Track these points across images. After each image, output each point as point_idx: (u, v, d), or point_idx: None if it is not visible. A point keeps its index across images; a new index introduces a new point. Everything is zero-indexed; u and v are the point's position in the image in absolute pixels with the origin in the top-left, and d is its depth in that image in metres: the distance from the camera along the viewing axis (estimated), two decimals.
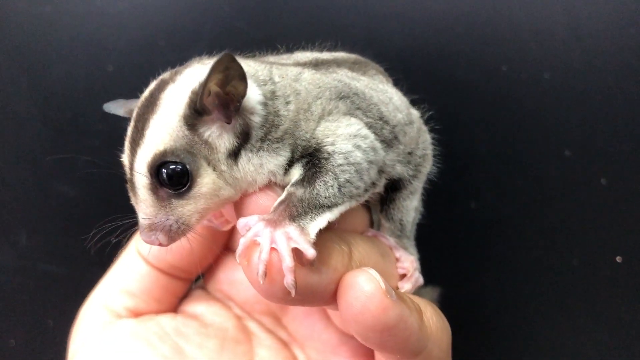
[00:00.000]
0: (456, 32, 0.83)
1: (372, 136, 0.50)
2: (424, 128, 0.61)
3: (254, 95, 0.46)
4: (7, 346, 0.87)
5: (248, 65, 0.49)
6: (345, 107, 0.50)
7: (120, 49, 0.85)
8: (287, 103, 0.48)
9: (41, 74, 0.86)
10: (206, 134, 0.45)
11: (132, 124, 0.48)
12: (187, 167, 0.45)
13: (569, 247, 0.83)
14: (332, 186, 0.46)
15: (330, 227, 0.46)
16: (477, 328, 0.86)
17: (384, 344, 0.45)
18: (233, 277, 0.63)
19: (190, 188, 0.45)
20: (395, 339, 0.44)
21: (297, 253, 0.42)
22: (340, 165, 0.47)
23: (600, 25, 0.80)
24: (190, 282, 0.64)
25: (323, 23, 0.85)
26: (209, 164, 0.46)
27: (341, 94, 0.51)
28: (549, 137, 0.82)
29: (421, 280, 0.58)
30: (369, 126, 0.51)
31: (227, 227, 0.59)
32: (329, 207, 0.46)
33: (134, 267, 0.60)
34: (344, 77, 0.53)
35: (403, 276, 0.57)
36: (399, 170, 0.55)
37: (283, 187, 0.48)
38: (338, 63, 0.57)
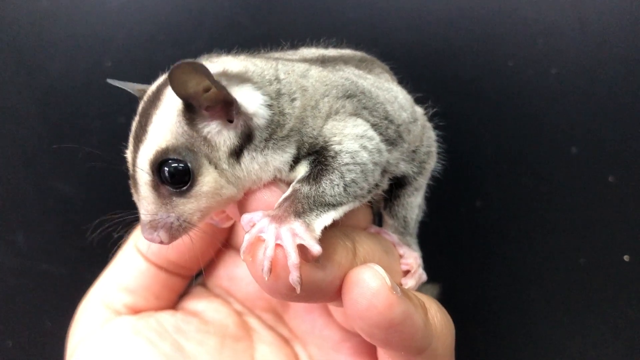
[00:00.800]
0: (461, 27, 0.82)
1: (377, 138, 0.50)
2: (428, 125, 0.61)
3: (254, 99, 0.46)
4: (5, 347, 0.86)
5: (254, 64, 0.48)
6: (352, 106, 0.50)
7: (119, 44, 0.84)
8: (293, 100, 0.48)
9: (39, 69, 0.85)
10: (205, 130, 0.45)
11: (136, 118, 0.48)
12: (189, 165, 0.44)
13: (575, 246, 0.83)
14: (338, 185, 0.46)
15: (334, 224, 0.46)
16: (481, 326, 0.86)
17: (389, 340, 0.45)
18: (233, 273, 0.63)
19: (191, 186, 0.45)
20: (400, 335, 0.44)
21: (302, 249, 0.41)
22: (347, 164, 0.46)
23: (608, 20, 0.79)
24: (189, 279, 0.63)
25: (325, 18, 0.85)
26: (210, 162, 0.45)
27: (348, 92, 0.51)
28: (556, 133, 0.82)
29: (424, 277, 0.58)
30: (375, 126, 0.51)
31: (227, 224, 0.59)
32: (334, 205, 0.46)
33: (132, 264, 0.59)
34: (351, 75, 0.53)
35: (406, 273, 0.57)
36: (403, 168, 0.56)
37: (287, 183, 0.48)
38: (345, 60, 0.57)
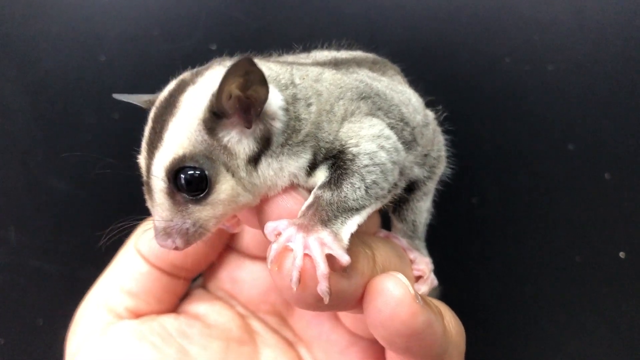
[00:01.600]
0: (458, 23, 0.82)
1: (394, 137, 0.49)
2: (439, 129, 0.61)
3: (275, 100, 0.46)
4: None
5: (269, 68, 0.48)
6: (367, 107, 0.50)
7: (113, 39, 0.83)
8: (309, 105, 0.47)
9: (31, 64, 0.84)
10: (225, 139, 0.45)
11: (149, 124, 0.47)
12: (206, 173, 0.44)
13: (571, 243, 0.83)
14: (359, 188, 0.46)
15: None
16: (478, 325, 0.85)
17: (409, 349, 0.45)
18: (236, 276, 0.62)
19: (208, 194, 0.45)
20: (421, 344, 0.44)
21: (329, 259, 0.41)
22: (366, 166, 0.46)
23: (605, 16, 0.79)
24: (189, 282, 0.63)
25: (320, 14, 0.84)
26: (227, 170, 0.45)
27: (363, 94, 0.50)
28: (552, 130, 0.82)
29: (436, 282, 0.58)
30: (391, 127, 0.50)
31: (238, 229, 0.58)
32: (357, 209, 0.45)
33: (133, 266, 0.58)
34: (365, 78, 0.53)
35: (417, 278, 0.57)
36: (417, 172, 0.56)
37: (307, 189, 0.48)
38: (358, 63, 0.57)
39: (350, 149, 0.47)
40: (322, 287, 0.40)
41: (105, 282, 0.59)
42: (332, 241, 0.42)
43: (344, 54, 0.59)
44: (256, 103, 0.43)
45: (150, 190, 0.46)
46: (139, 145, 0.48)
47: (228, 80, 0.41)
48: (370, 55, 0.61)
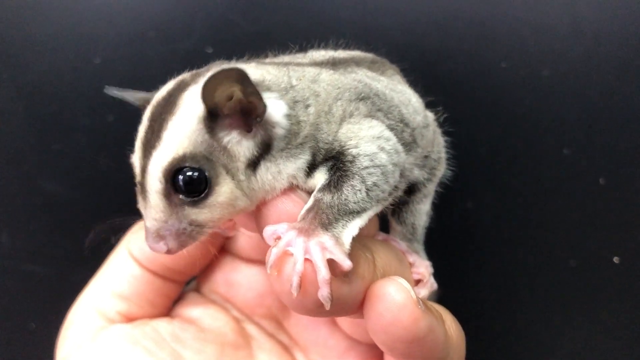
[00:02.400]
0: (454, 28, 0.82)
1: (394, 138, 0.49)
2: (438, 130, 0.61)
3: (279, 108, 0.45)
4: None
5: (268, 72, 0.47)
6: (366, 108, 0.49)
7: (108, 40, 0.83)
8: (307, 107, 0.47)
9: (25, 66, 0.83)
10: (225, 140, 0.44)
11: (146, 123, 0.46)
12: (206, 174, 0.43)
13: (566, 248, 0.83)
14: (360, 190, 0.45)
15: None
16: (473, 328, 0.85)
17: (410, 354, 0.44)
18: (231, 279, 0.61)
19: (207, 196, 0.43)
20: (422, 349, 0.44)
21: (330, 264, 0.41)
22: (367, 167, 0.45)
23: (600, 22, 0.79)
24: (183, 285, 0.62)
25: (317, 16, 0.84)
26: (227, 172, 0.44)
27: (361, 94, 0.49)
28: (548, 135, 0.82)
29: (435, 286, 0.57)
30: (391, 128, 0.50)
31: (233, 233, 0.58)
32: (358, 212, 0.45)
33: (125, 269, 0.57)
34: (364, 78, 0.52)
35: (417, 282, 0.56)
36: (417, 174, 0.55)
37: (306, 192, 0.47)
38: (356, 62, 0.56)
39: (349, 150, 0.46)
40: (324, 292, 0.40)
41: (96, 286, 0.58)
42: (334, 245, 0.41)
43: (341, 54, 0.58)
44: (256, 108, 0.43)
45: (144, 191, 0.44)
46: (133, 147, 0.47)
47: (218, 78, 0.40)
48: (369, 55, 0.60)
